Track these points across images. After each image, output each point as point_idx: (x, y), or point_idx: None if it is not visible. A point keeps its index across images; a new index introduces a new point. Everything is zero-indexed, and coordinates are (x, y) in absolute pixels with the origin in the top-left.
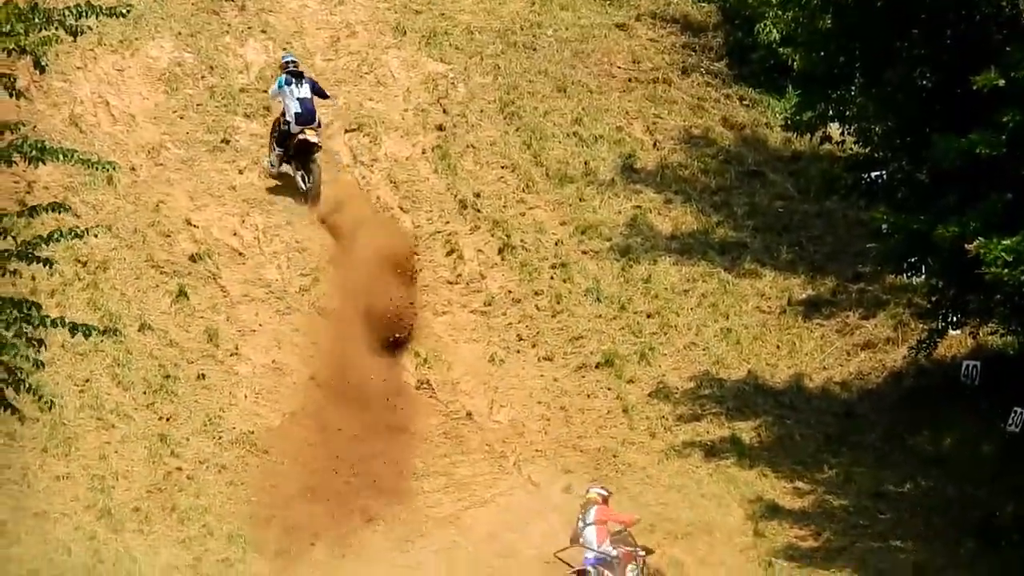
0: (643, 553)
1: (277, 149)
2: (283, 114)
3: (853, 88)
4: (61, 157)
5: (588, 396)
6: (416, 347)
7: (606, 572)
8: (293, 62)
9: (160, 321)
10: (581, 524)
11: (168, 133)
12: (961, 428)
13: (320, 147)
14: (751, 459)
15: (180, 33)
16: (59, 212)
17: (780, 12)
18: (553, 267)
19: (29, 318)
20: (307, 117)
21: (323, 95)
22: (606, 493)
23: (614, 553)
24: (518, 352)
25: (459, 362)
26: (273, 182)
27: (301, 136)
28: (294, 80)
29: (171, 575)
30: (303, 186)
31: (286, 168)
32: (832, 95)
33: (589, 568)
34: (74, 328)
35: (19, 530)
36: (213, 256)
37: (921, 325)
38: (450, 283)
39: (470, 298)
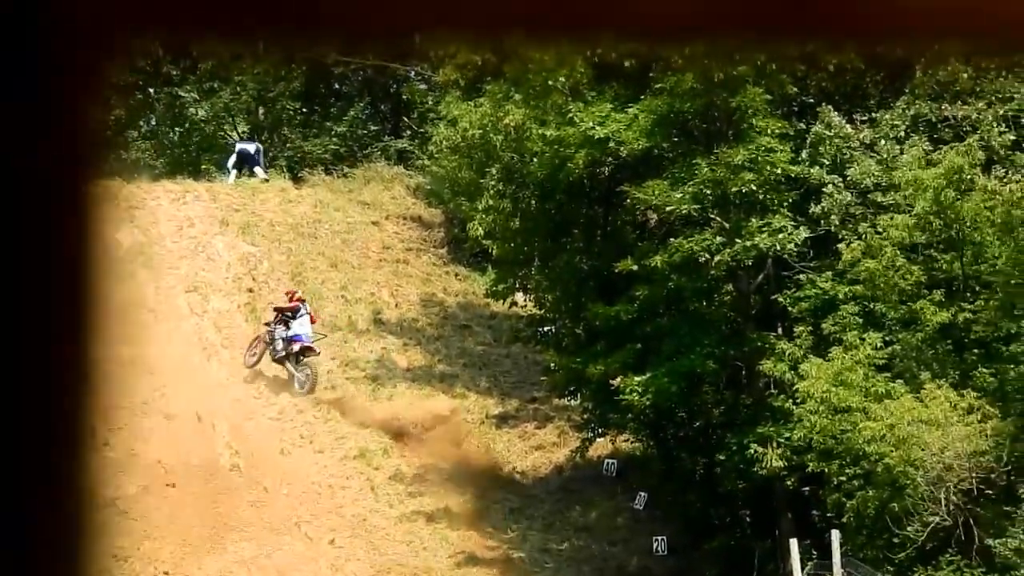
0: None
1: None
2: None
3: (533, 269)
4: None
5: (347, 478)
6: (230, 441)
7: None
8: (245, 150)
9: None
10: (303, 311)
11: None
12: (603, 505)
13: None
14: (458, 523)
15: None
16: None
17: (484, 216)
18: (326, 388)
19: None
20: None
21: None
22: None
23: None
24: (300, 447)
25: (259, 452)
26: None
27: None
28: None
29: None
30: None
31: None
32: (519, 273)
33: (308, 343)
34: None
35: None
36: None
37: (577, 434)
38: (254, 398)
39: (268, 409)
